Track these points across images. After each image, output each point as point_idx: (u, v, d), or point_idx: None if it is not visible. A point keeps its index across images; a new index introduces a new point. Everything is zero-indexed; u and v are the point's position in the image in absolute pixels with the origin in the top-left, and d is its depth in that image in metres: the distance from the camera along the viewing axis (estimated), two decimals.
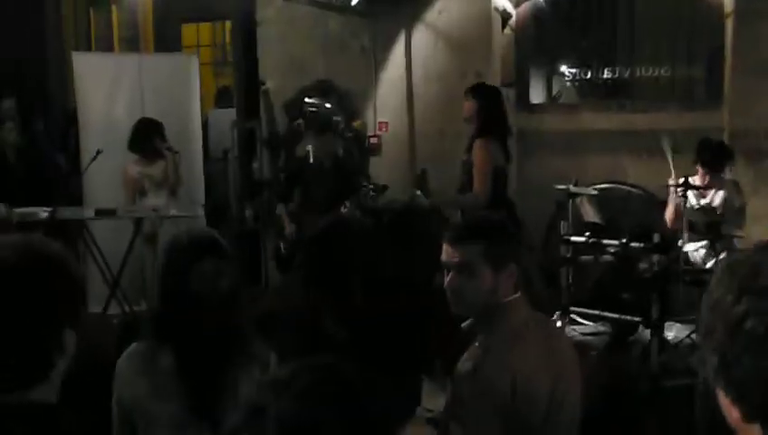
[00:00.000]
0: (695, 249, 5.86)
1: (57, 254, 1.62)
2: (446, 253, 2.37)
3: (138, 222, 6.28)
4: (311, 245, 6.24)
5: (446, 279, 2.38)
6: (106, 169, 6.59)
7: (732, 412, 1.09)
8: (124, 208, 6.39)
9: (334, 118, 7.39)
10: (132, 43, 9.66)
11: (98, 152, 6.38)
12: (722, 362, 1.06)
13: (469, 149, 5.15)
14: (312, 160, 6.14)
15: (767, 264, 1.06)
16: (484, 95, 5.25)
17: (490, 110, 5.18)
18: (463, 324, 2.38)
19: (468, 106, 5.19)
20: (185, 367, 2.33)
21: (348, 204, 6.04)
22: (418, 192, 5.15)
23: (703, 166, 5.79)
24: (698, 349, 1.14)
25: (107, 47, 9.64)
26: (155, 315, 2.49)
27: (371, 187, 6.49)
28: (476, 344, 2.31)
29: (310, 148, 6.20)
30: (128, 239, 6.30)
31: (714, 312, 1.08)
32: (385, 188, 6.67)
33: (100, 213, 6.21)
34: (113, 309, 6.33)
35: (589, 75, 7.65)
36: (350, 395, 1.17)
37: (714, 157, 5.80)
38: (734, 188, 5.90)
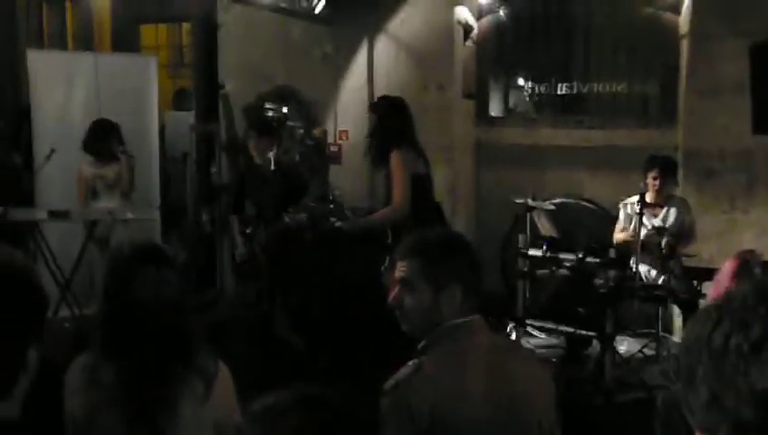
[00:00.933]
0: (647, 269, 5.95)
1: (23, 269, 1.57)
2: (395, 267, 2.34)
3: (91, 224, 6.18)
4: (263, 253, 6.22)
5: (392, 294, 2.35)
6: (59, 170, 6.48)
7: None
8: (78, 210, 6.27)
9: (289, 123, 7.34)
10: (87, 42, 9.49)
11: (51, 152, 6.27)
12: (713, 395, 1.01)
13: (380, 161, 5.13)
14: (261, 168, 6.13)
15: (738, 293, 1.04)
16: (382, 109, 5.23)
17: (391, 122, 5.14)
18: (419, 345, 2.31)
19: (370, 121, 5.21)
20: (125, 380, 2.29)
21: (291, 211, 6.00)
22: (333, 219, 5.11)
23: (656, 174, 5.85)
24: (672, 401, 1.10)
25: (60, 45, 9.47)
26: (99, 327, 2.44)
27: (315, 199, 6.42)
28: (410, 363, 2.25)
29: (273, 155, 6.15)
30: (79, 241, 6.21)
31: (693, 348, 1.05)
32: (328, 199, 6.62)
33: (54, 215, 6.08)
34: (63, 312, 6.21)
35: (547, 90, 7.74)
36: (341, 428, 1.16)
37: (666, 166, 5.90)
38: (683, 206, 6.00)
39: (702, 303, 5.55)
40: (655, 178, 5.85)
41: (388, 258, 5.12)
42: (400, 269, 2.31)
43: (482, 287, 2.35)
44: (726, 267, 2.33)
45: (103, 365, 2.32)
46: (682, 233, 5.92)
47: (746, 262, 2.27)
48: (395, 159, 4.99)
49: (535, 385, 2.32)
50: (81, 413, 2.32)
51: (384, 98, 5.46)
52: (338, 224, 5.20)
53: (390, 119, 5.15)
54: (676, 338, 6.49)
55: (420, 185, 5.06)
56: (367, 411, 1.28)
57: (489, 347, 2.32)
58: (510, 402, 2.22)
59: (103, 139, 6.36)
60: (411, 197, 4.96)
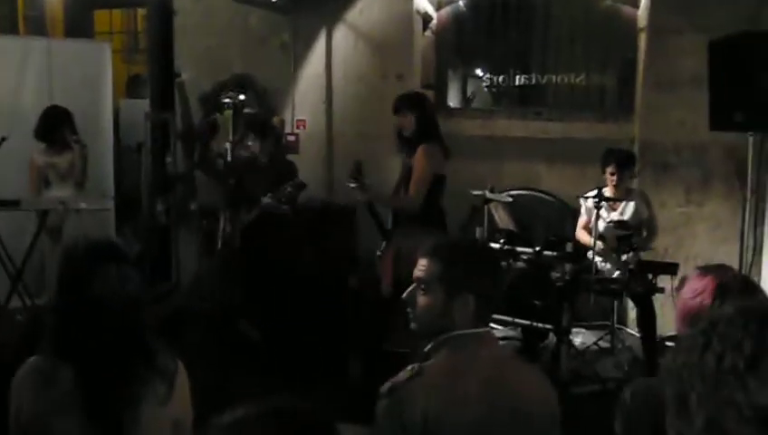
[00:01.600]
0: (603, 260, 5.99)
1: None
2: (417, 264, 2.33)
3: (42, 214, 6.04)
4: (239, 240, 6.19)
5: (407, 290, 2.34)
6: (9, 158, 6.31)
7: None
8: (29, 200, 6.13)
9: (246, 111, 7.29)
10: (39, 27, 9.28)
11: (2, 139, 6.12)
12: (710, 419, 0.99)
13: (411, 151, 5.13)
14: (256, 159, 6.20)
15: (721, 316, 1.03)
16: (416, 105, 5.23)
17: (428, 115, 5.21)
18: (425, 349, 2.29)
19: (406, 120, 5.16)
20: (84, 381, 2.23)
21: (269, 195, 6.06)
22: (353, 185, 5.07)
23: (613, 169, 5.88)
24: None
25: (11, 30, 9.24)
26: (53, 327, 2.35)
27: (290, 184, 6.46)
28: (410, 367, 2.23)
29: (231, 144, 6.14)
30: (30, 231, 6.08)
31: (683, 376, 1.03)
32: (303, 186, 6.62)
33: (4, 204, 5.93)
34: (14, 302, 6.08)
35: (505, 81, 7.73)
36: None
37: (622, 160, 5.93)
38: (642, 199, 6.05)
39: (656, 296, 5.61)
40: (612, 174, 5.89)
41: (384, 244, 5.16)
42: (419, 268, 2.30)
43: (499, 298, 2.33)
44: (702, 285, 2.23)
45: (59, 367, 2.26)
46: (641, 226, 5.97)
47: (725, 285, 2.19)
48: (421, 152, 5.03)
49: (538, 399, 2.29)
50: (30, 416, 2.25)
51: (417, 94, 5.48)
52: (354, 189, 5.13)
53: (427, 114, 5.20)
54: (631, 330, 6.57)
55: (436, 185, 5.11)
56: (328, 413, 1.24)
57: (492, 359, 2.28)
58: (510, 415, 2.19)
59: (55, 126, 6.23)
60: (427, 195, 5.02)
